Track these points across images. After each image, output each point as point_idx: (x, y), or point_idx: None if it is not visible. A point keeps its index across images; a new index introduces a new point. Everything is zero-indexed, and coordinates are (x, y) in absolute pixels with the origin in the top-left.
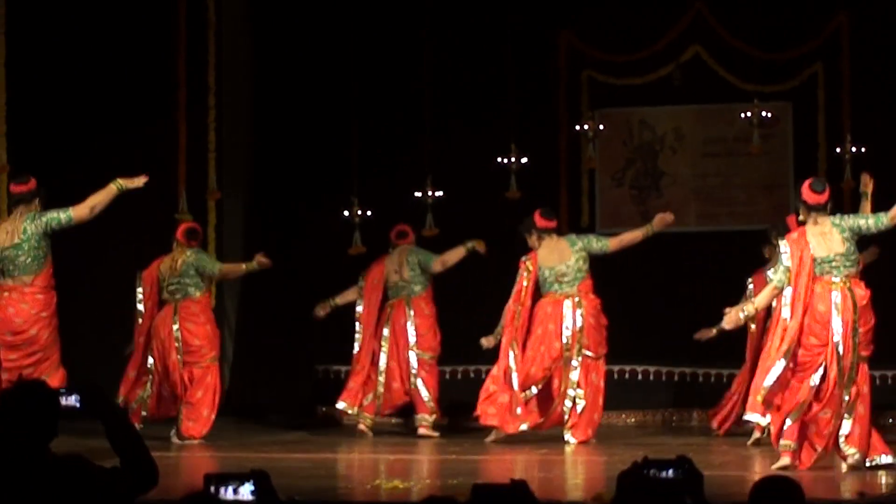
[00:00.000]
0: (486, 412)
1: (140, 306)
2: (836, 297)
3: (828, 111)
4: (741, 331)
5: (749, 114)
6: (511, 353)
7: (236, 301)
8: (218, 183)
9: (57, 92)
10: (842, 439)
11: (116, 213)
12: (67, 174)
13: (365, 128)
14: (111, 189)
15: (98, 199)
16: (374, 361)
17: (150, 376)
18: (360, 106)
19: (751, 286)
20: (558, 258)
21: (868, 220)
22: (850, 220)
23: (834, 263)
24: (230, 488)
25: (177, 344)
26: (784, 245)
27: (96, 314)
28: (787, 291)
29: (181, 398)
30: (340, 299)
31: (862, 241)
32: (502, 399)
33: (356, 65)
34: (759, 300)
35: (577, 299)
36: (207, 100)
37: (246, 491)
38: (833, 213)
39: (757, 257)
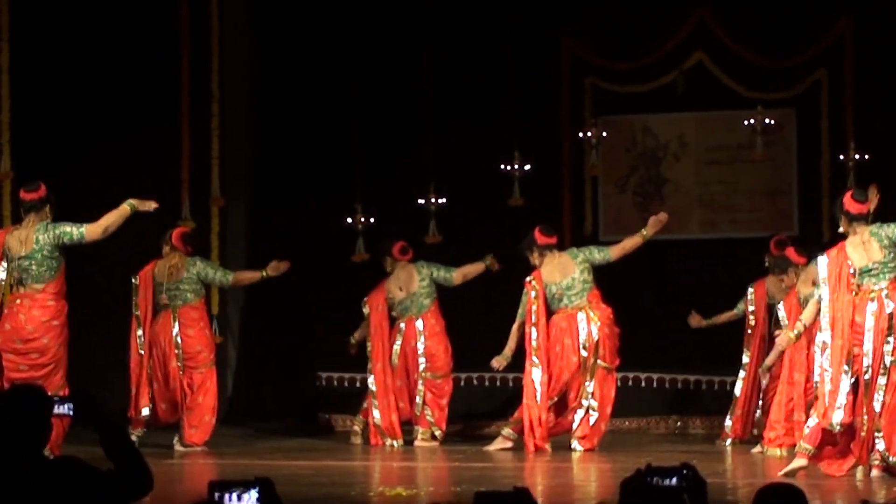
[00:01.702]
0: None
1: (137, 311)
2: (872, 306)
3: (831, 118)
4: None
5: (752, 121)
6: (534, 372)
7: (239, 308)
8: (221, 190)
9: (60, 99)
10: (883, 451)
11: None
12: (70, 181)
13: (368, 136)
14: (124, 210)
15: (111, 220)
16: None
17: (151, 386)
18: (362, 114)
19: (751, 293)
20: (562, 273)
21: None
22: (889, 229)
23: (873, 272)
24: (234, 495)
25: (177, 350)
26: (822, 262)
27: (97, 320)
28: (825, 311)
29: (181, 404)
30: (359, 335)
31: None
32: (533, 418)
33: (359, 74)
34: (806, 316)
35: (590, 312)
36: (211, 107)
37: (251, 498)
38: (872, 221)
39: (760, 265)
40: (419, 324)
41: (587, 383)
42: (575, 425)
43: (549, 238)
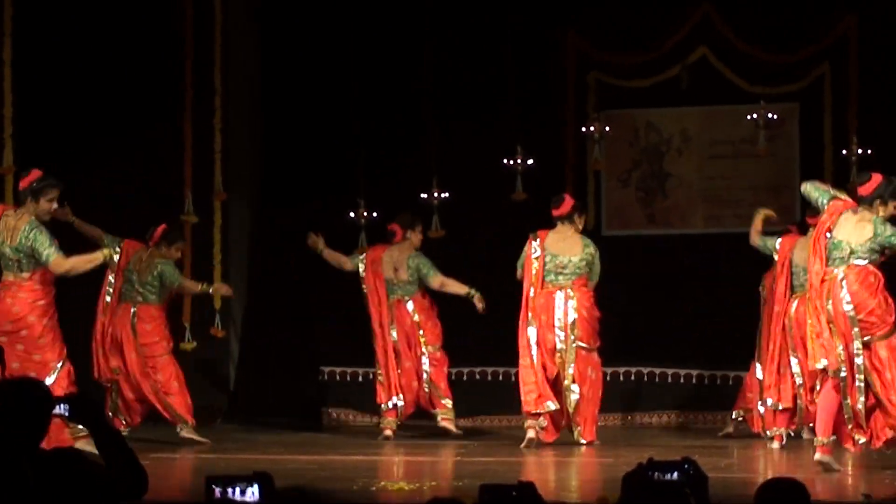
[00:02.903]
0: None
1: (110, 277)
2: (830, 286)
3: (834, 113)
4: (752, 330)
5: (755, 115)
6: (529, 330)
7: (242, 303)
8: (224, 184)
9: (63, 94)
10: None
11: (123, 213)
12: (72, 176)
13: (371, 129)
14: (96, 258)
15: (79, 264)
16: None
17: (115, 381)
18: (365, 108)
19: (779, 242)
20: (563, 249)
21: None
22: (885, 235)
23: (842, 250)
24: (238, 490)
25: (135, 343)
26: (829, 201)
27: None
28: (811, 251)
29: (152, 394)
30: (328, 255)
31: None
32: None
33: (362, 67)
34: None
35: (569, 291)
36: (213, 101)
37: (254, 492)
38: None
39: (764, 260)
40: (409, 305)
41: (568, 367)
42: (570, 410)
43: (554, 209)
